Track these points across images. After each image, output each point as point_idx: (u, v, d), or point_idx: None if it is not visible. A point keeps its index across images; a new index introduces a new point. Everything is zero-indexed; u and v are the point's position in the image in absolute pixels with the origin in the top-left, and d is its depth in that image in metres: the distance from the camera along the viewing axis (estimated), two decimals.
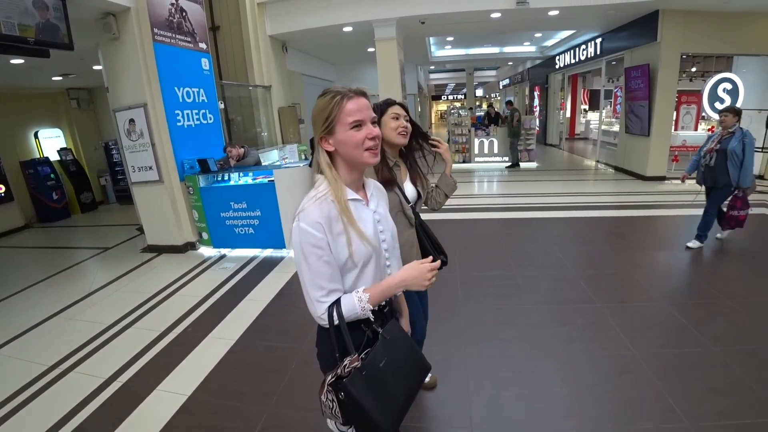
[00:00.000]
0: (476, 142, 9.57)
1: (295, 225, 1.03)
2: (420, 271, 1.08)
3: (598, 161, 10.20)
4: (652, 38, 7.19)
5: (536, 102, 14.34)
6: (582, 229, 4.92)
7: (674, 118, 8.72)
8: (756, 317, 2.79)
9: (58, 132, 8.01)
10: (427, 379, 2.10)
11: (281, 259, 4.36)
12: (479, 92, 27.54)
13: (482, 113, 11.16)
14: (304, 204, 1.05)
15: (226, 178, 4.66)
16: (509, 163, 9.50)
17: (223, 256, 4.61)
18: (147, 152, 4.59)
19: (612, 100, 11.94)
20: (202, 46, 5.11)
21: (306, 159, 5.21)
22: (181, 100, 4.72)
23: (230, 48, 6.86)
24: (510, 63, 16.14)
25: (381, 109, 1.72)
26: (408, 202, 1.76)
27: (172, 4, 4.59)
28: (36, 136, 7.67)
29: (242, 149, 4.84)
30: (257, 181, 4.45)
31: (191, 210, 4.75)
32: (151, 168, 4.63)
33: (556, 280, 3.50)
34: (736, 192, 3.90)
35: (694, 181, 4.24)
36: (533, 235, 4.75)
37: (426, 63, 12.77)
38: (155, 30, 4.36)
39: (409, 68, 12.35)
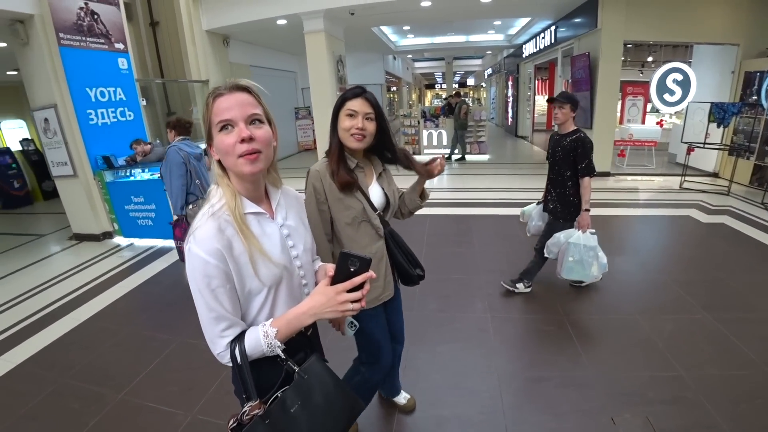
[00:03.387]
0: (425, 133, 9.75)
1: (188, 248, 0.88)
2: (327, 296, 0.91)
3: None
4: (593, 25, 7.04)
5: (509, 92, 14.29)
6: (497, 228, 4.93)
7: (619, 110, 8.69)
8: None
9: (21, 123, 8.51)
10: (404, 401, 2.13)
11: (170, 249, 4.75)
12: (470, 81, 27.30)
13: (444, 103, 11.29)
14: (198, 221, 0.91)
15: (129, 173, 5.03)
16: (446, 156, 9.53)
17: (130, 245, 5.04)
18: (61, 149, 4.98)
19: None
20: (119, 46, 5.42)
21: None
22: (94, 100, 5.08)
23: (168, 43, 7.17)
24: (489, 52, 16.03)
25: (339, 102, 1.45)
26: (374, 209, 1.54)
27: (81, 8, 4.90)
28: None
29: (149, 145, 5.20)
30: (154, 176, 4.81)
31: (104, 202, 5.16)
32: (66, 163, 5.03)
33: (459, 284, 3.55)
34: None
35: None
36: (446, 232, 4.84)
37: (389, 52, 12.85)
38: (61, 35, 4.69)
39: (373, 58, 12.48)
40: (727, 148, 6.63)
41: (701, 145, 6.89)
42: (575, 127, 2.89)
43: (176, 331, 2.94)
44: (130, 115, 5.57)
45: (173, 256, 4.53)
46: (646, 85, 8.75)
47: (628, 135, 8.50)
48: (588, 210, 2.90)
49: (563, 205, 2.99)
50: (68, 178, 5.11)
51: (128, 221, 5.02)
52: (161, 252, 4.72)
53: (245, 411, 0.91)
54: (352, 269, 0.91)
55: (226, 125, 0.89)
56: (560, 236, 2.98)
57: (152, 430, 2.09)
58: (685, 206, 5.67)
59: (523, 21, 9.98)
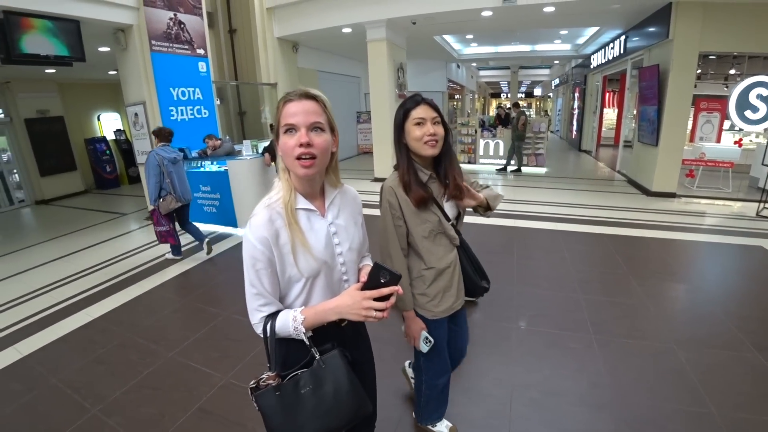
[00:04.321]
0: (482, 143, 9.67)
1: (246, 230, 1.03)
2: (353, 299, 0.99)
3: (619, 171, 9.64)
4: (665, 36, 6.62)
5: (575, 104, 13.73)
6: (540, 241, 4.80)
7: (691, 127, 7.97)
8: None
9: (116, 116, 9.71)
10: (446, 430, 2.01)
11: (229, 236, 5.23)
12: (538, 91, 26.45)
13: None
14: (256, 209, 1.04)
15: (200, 164, 5.59)
16: (501, 167, 9.29)
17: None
18: (146, 140, 5.69)
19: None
20: (200, 51, 6.07)
21: (257, 153, 5.89)
22: (175, 98, 5.74)
23: (243, 48, 7.84)
24: (557, 62, 15.50)
25: (402, 114, 1.44)
26: (448, 219, 1.54)
27: (171, 19, 5.57)
28: (99, 118, 9.42)
29: (219, 141, 5.75)
30: (221, 169, 5.31)
31: None
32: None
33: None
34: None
35: None
36: (487, 241, 4.79)
37: (452, 60, 12.89)
38: (153, 42, 5.37)
39: (435, 65, 12.61)
40: None
41: None
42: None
43: (224, 306, 3.30)
44: (205, 113, 6.20)
45: (231, 241, 5.00)
46: (723, 100, 7.96)
47: (699, 154, 7.82)
48: None
49: None
50: None
51: (196, 207, 5.58)
52: (221, 237, 5.21)
53: (263, 378, 1.05)
54: (382, 281, 0.98)
55: (291, 129, 0.99)
56: None
57: (192, 385, 2.40)
58: (759, 236, 5.13)
59: (592, 30, 9.60)
